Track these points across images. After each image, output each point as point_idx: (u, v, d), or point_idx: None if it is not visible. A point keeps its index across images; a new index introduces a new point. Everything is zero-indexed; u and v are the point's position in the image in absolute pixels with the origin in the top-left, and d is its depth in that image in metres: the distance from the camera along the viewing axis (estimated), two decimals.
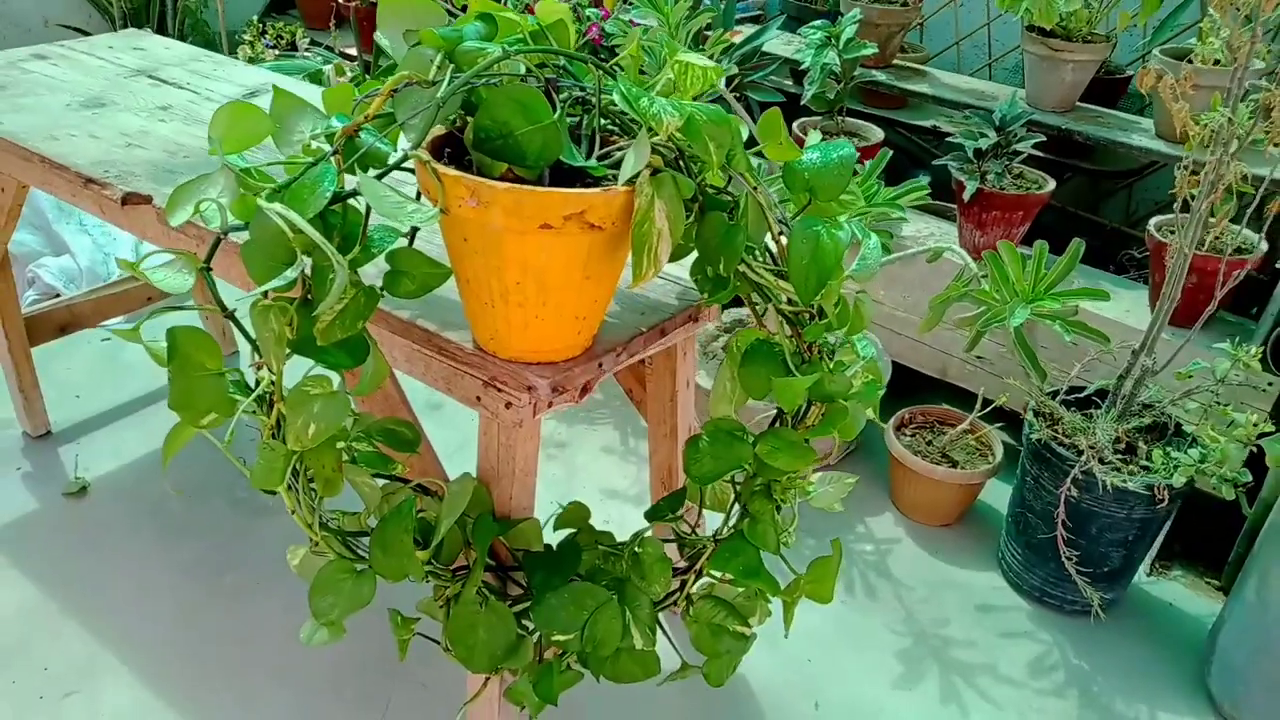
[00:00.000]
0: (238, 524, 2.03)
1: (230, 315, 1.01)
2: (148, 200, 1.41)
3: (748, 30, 2.75)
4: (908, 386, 2.39)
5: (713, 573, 1.20)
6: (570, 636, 1.13)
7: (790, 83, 2.96)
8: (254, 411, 1.01)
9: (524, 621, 1.20)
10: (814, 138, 1.07)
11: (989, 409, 2.08)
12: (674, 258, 1.10)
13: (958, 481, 2.04)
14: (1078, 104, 2.55)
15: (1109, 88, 2.71)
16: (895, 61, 2.89)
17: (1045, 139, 2.28)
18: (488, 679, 1.23)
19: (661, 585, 1.19)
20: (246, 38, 3.51)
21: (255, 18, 3.78)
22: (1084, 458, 1.66)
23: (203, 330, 0.98)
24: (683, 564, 1.24)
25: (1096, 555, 1.79)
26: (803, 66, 2.49)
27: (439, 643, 1.21)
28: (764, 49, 2.79)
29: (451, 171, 0.88)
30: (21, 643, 1.73)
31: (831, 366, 1.07)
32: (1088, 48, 2.40)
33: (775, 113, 0.99)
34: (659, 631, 1.27)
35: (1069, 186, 3.19)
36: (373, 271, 1.05)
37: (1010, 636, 1.87)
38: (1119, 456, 1.74)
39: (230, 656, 1.73)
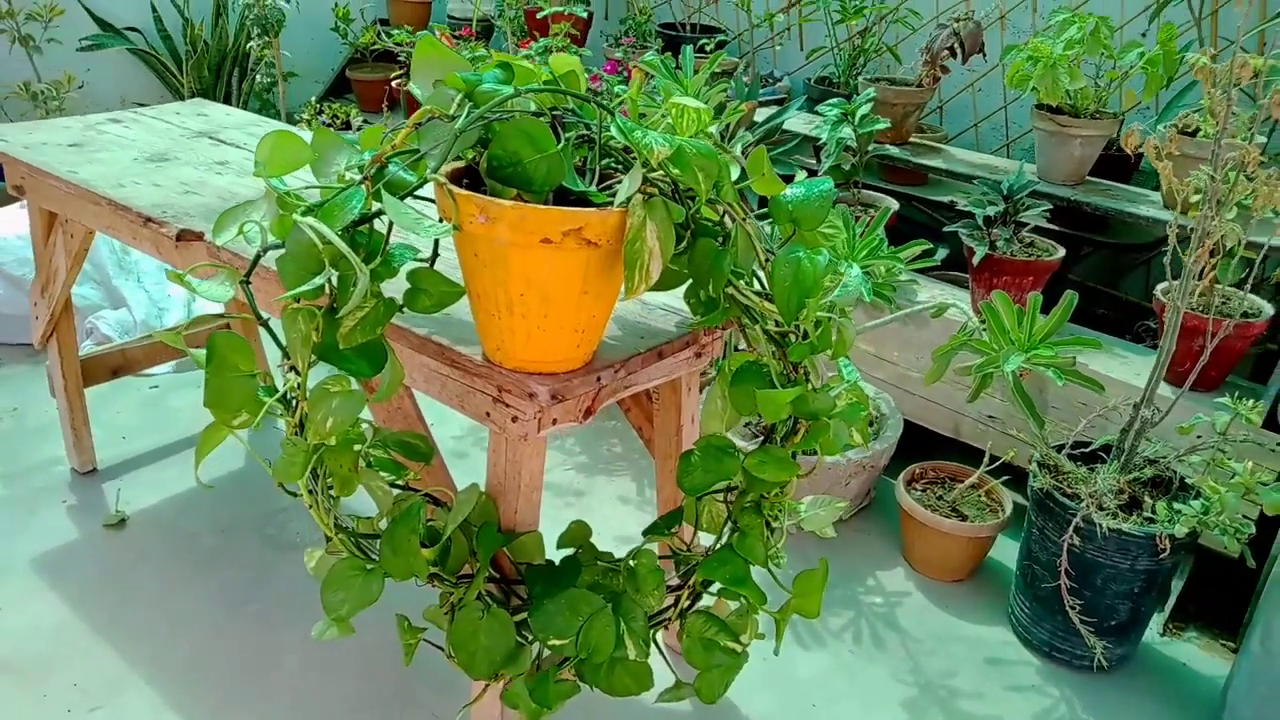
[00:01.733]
0: (266, 558, 2.11)
1: (264, 323, 1.11)
2: (199, 237, 1.54)
3: (773, 111, 2.91)
4: (921, 446, 2.43)
5: (704, 589, 1.25)
6: (566, 641, 1.18)
7: (812, 160, 3.10)
8: (280, 413, 1.11)
9: (524, 632, 1.26)
10: None
11: (996, 464, 2.11)
12: (668, 285, 1.20)
13: (967, 535, 2.06)
14: (1088, 178, 2.64)
15: (1120, 164, 2.81)
16: (912, 140, 3.01)
17: (1052, 208, 2.36)
18: (487, 685, 1.28)
19: (655, 598, 1.24)
20: (304, 116, 3.76)
21: (314, 99, 4.05)
22: (1084, 505, 1.69)
23: (239, 336, 1.08)
24: (677, 581, 1.30)
25: (1103, 607, 1.79)
26: (820, 142, 2.62)
27: (442, 649, 1.27)
28: (785, 127, 2.94)
29: (464, 191, 0.99)
30: (55, 660, 1.81)
31: (816, 387, 1.14)
32: (1095, 123, 2.51)
33: (761, 150, 1.09)
34: (655, 649, 1.32)
35: (1089, 262, 3.26)
36: (393, 292, 1.15)
37: (1018, 690, 1.86)
38: (1123, 510, 1.77)
39: (251, 682, 1.79)
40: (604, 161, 1.10)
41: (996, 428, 2.31)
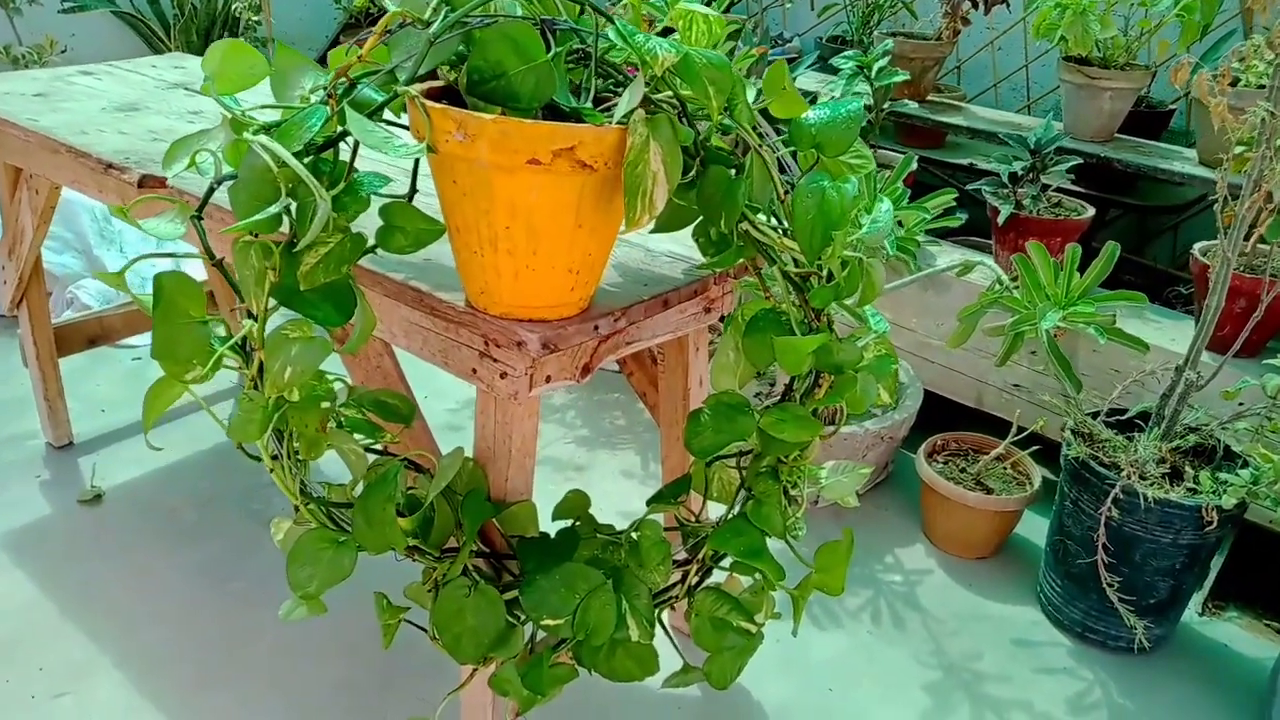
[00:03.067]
0: (248, 533, 1.99)
1: (218, 263, 0.99)
2: (164, 183, 1.41)
3: None
4: (941, 417, 2.30)
5: (715, 564, 1.13)
6: (561, 622, 1.06)
7: None
8: (237, 366, 0.98)
9: (515, 612, 1.13)
10: None
11: (1023, 435, 1.98)
12: (675, 224, 1.07)
13: (992, 508, 1.93)
14: (1117, 135, 2.50)
15: (1151, 121, 2.66)
16: (930, 98, 2.87)
17: (1081, 162, 2.22)
18: (475, 670, 1.16)
19: (660, 573, 1.12)
20: None
21: None
22: (1124, 474, 1.56)
23: (188, 277, 0.96)
24: (685, 555, 1.17)
25: (1141, 585, 1.67)
26: (835, 96, 2.47)
27: (426, 630, 1.15)
28: (797, 85, 2.80)
29: (438, 105, 0.85)
30: (19, 642, 1.69)
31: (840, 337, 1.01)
32: (1126, 75, 2.36)
33: (781, 64, 0.96)
34: (660, 630, 1.20)
35: (1115, 229, 3.11)
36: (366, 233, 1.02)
37: (1048, 672, 1.74)
38: (1165, 480, 1.64)
39: (228, 663, 1.67)
40: (602, 82, 0.96)
41: (1023, 397, 2.18)
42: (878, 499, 2.22)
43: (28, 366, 2.20)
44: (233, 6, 3.72)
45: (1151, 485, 1.56)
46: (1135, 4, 2.28)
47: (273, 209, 0.86)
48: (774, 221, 1.00)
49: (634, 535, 1.12)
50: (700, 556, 1.14)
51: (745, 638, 1.13)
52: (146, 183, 1.41)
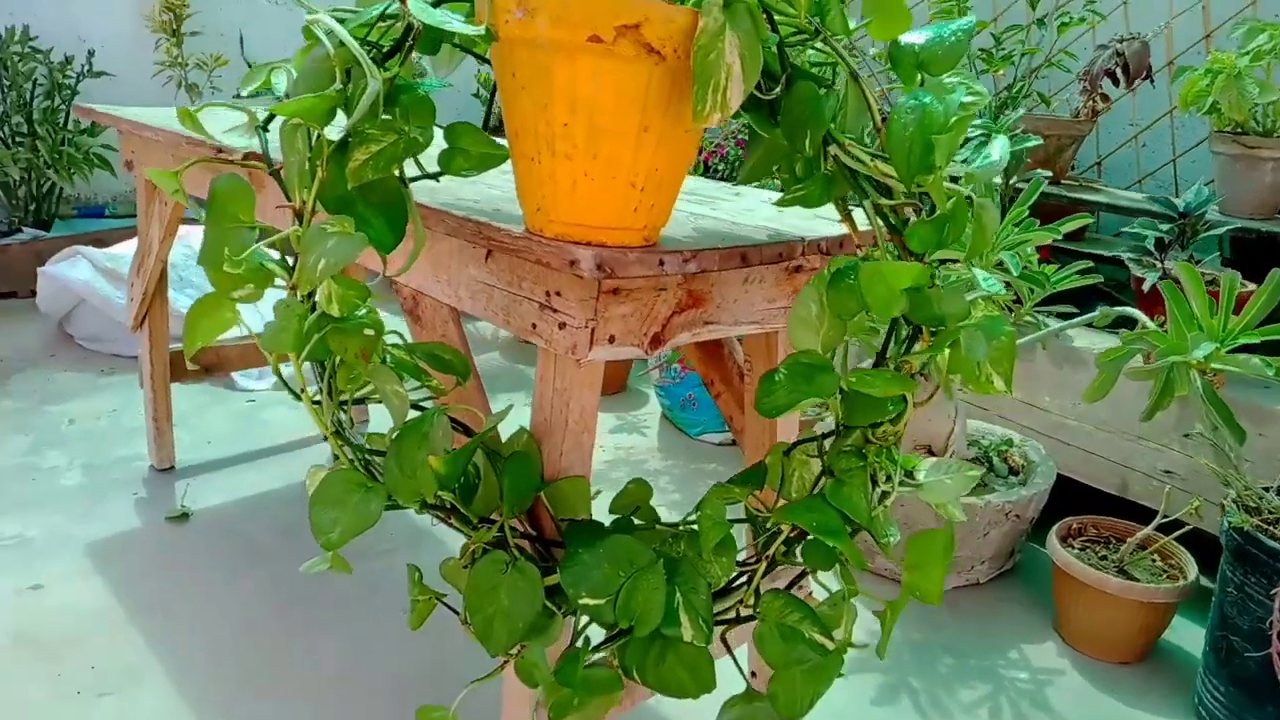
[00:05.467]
0: None
1: (275, 173, 0.96)
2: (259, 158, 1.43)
3: None
4: (1080, 507, 2.04)
5: (786, 557, 0.97)
6: (602, 602, 0.92)
7: None
8: (282, 282, 0.93)
9: (556, 600, 1.00)
10: None
11: (1172, 521, 1.71)
12: (765, 168, 0.97)
13: (1137, 599, 1.65)
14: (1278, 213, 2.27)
15: None
16: (1065, 180, 2.71)
17: (1236, 228, 2.01)
18: (505, 662, 1.02)
19: (721, 565, 0.97)
20: None
21: None
22: None
23: (242, 181, 0.93)
24: (752, 554, 1.02)
25: None
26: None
27: (459, 614, 1.02)
28: None
29: None
30: (80, 640, 1.65)
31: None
32: None
33: None
34: (725, 650, 1.03)
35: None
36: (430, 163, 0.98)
37: None
38: None
39: (276, 682, 1.58)
40: None
41: (1175, 483, 1.91)
42: (1003, 590, 1.96)
43: (142, 387, 2.27)
44: None
45: None
46: None
47: (329, 90, 0.83)
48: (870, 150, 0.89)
49: (692, 521, 0.98)
50: (770, 552, 0.98)
51: (820, 653, 0.95)
52: (250, 157, 1.44)
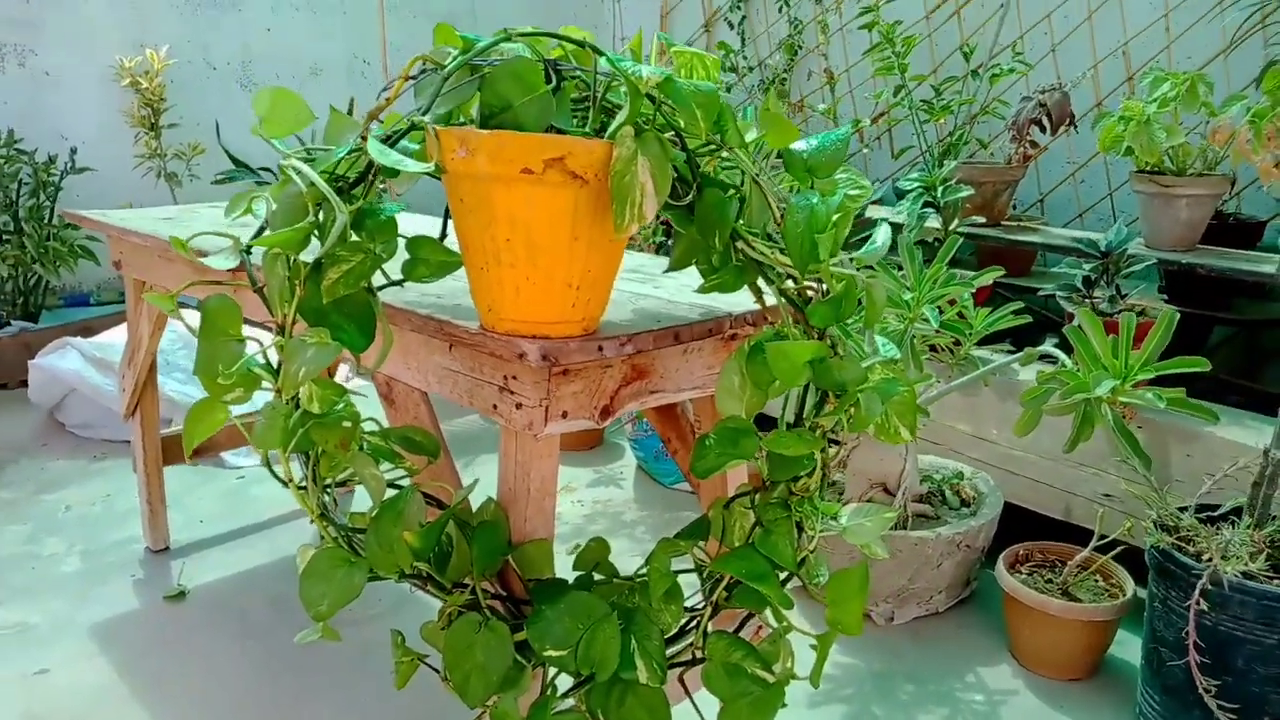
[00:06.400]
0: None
1: (259, 290, 1.08)
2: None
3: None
4: (1028, 533, 2.16)
5: (726, 601, 1.09)
6: (565, 653, 1.04)
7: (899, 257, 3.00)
8: (267, 383, 1.06)
9: (526, 654, 1.11)
10: None
11: (1116, 552, 1.84)
12: (688, 259, 1.11)
13: (1080, 618, 1.77)
14: (1199, 245, 2.43)
15: (1241, 233, 2.58)
16: (1004, 222, 2.88)
17: (1156, 261, 2.16)
18: (483, 713, 1.12)
19: (670, 612, 1.08)
20: None
21: None
22: (1208, 560, 1.42)
23: (231, 300, 1.05)
24: (699, 601, 1.13)
25: (1249, 696, 1.48)
26: (900, 217, 2.52)
27: (439, 671, 1.13)
28: (869, 215, 2.87)
29: (445, 127, 0.95)
30: (83, 719, 1.74)
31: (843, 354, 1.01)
32: (1202, 182, 2.33)
33: (772, 96, 1.02)
34: (683, 689, 1.15)
35: (1221, 353, 2.96)
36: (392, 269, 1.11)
37: None
38: (1266, 572, 1.48)
39: None
40: (606, 118, 1.05)
41: (1114, 506, 2.04)
42: (960, 618, 2.07)
43: (136, 472, 2.37)
44: None
45: (1235, 561, 1.41)
46: (1204, 111, 2.27)
47: (301, 223, 0.96)
48: (772, 243, 1.03)
49: (643, 574, 1.10)
50: (713, 598, 1.10)
51: (761, 686, 1.06)
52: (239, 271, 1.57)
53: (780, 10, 4.17)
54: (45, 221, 3.60)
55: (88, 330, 3.46)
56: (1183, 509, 1.65)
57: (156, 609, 2.14)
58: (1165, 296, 2.60)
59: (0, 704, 1.77)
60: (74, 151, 3.73)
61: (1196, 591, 1.44)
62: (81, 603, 2.14)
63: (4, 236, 3.53)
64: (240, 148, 4.26)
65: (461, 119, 1.05)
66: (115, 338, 3.19)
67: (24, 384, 3.32)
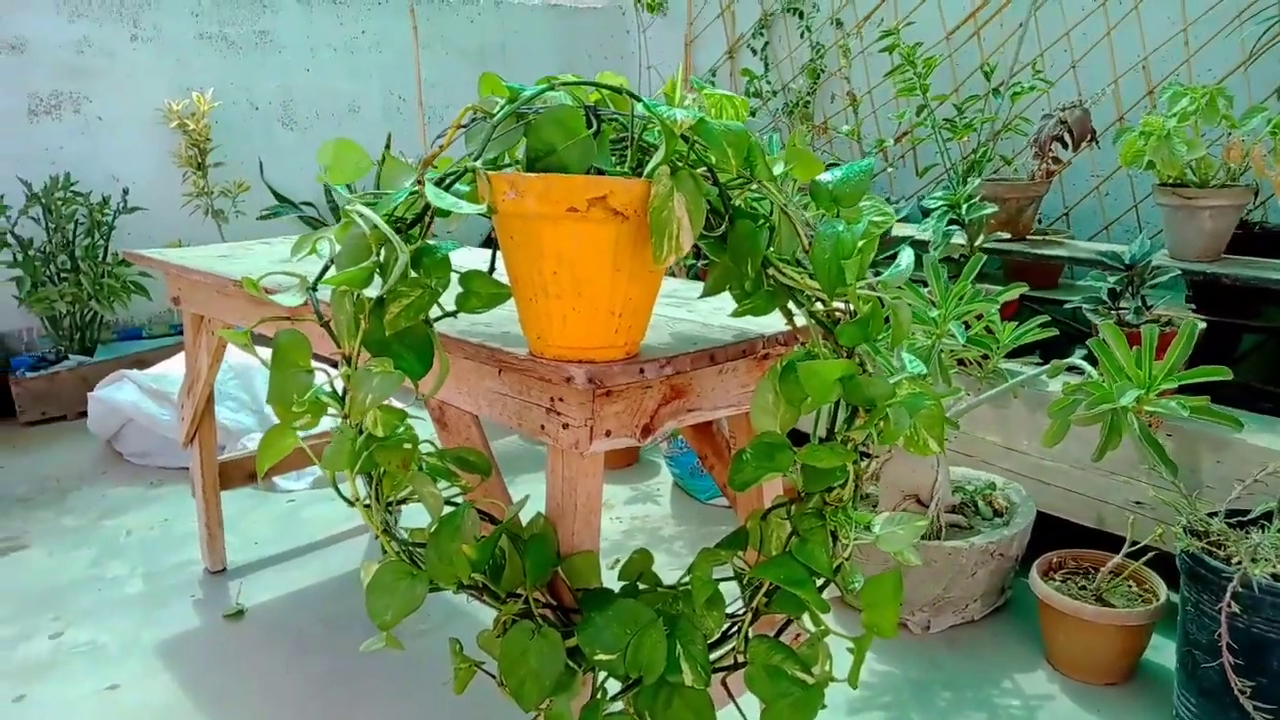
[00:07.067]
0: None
1: (325, 324, 1.17)
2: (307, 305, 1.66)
3: None
4: (1063, 541, 2.19)
5: (766, 607, 1.15)
6: (613, 657, 1.10)
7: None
8: (335, 411, 1.14)
9: (577, 659, 1.18)
10: None
11: (1148, 557, 1.87)
12: (722, 285, 1.18)
13: (1114, 623, 1.81)
14: (1224, 255, 2.46)
15: (1268, 242, 2.60)
16: (1030, 237, 2.92)
17: (1180, 273, 2.20)
18: (537, 716, 1.19)
19: (713, 618, 1.15)
20: None
21: None
22: (1238, 564, 1.46)
23: (301, 334, 1.14)
24: (740, 608, 1.20)
25: None
26: (926, 235, 2.58)
27: (495, 677, 1.20)
28: (895, 233, 2.93)
29: (495, 171, 1.03)
30: None
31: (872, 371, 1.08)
32: (1225, 193, 2.36)
33: (796, 133, 1.09)
34: (727, 694, 1.21)
35: (1251, 361, 2.97)
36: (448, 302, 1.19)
37: None
38: None
39: None
40: (643, 156, 1.12)
41: (1145, 514, 2.07)
42: (996, 625, 2.11)
43: (194, 496, 2.48)
44: None
45: (1265, 563, 1.45)
46: (1224, 124, 2.31)
47: (366, 262, 1.05)
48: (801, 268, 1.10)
49: (686, 582, 1.16)
50: (754, 604, 1.17)
51: (801, 688, 1.12)
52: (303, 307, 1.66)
53: (802, 36, 4.26)
54: (100, 260, 3.76)
55: (141, 362, 3.60)
56: (1212, 514, 1.69)
57: (216, 627, 2.23)
58: (1193, 307, 2.62)
59: (78, 718, 1.87)
60: (126, 192, 3.89)
61: (1227, 594, 1.48)
62: (146, 622, 2.24)
63: (62, 275, 3.69)
64: (282, 184, 4.44)
65: (509, 161, 1.14)
66: (169, 369, 3.33)
67: (83, 415, 3.46)
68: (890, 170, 4.01)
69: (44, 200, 3.67)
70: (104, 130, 4.01)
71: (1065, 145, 2.71)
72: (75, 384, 3.67)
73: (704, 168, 1.08)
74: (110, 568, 2.53)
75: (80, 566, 2.53)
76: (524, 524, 1.28)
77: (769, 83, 4.47)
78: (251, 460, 2.60)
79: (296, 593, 2.39)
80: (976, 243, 2.55)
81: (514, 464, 3.21)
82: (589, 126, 1.06)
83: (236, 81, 4.32)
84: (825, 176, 1.10)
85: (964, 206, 2.48)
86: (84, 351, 3.85)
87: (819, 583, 1.14)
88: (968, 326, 1.75)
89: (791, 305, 1.14)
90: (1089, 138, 2.68)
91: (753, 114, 4.14)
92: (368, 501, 1.19)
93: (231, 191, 4.13)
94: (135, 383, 3.25)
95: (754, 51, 4.54)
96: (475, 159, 1.07)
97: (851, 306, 1.08)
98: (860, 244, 1.01)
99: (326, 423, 1.15)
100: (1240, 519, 1.69)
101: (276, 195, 4.38)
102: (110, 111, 4.02)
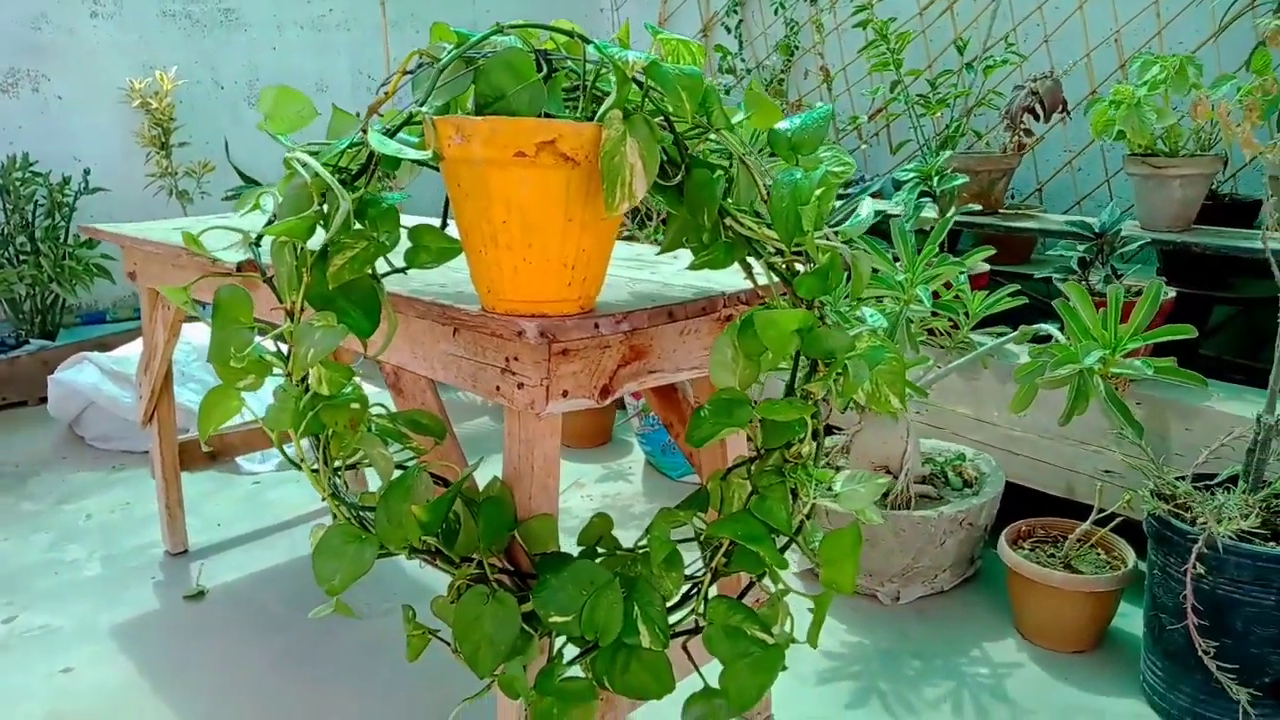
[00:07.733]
0: (327, 625, 2.06)
1: (269, 280, 1.13)
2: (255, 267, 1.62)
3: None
4: (1033, 511, 2.19)
5: (725, 567, 1.12)
6: (569, 619, 1.07)
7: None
8: (278, 369, 1.10)
9: (533, 624, 1.15)
10: None
11: (1115, 524, 1.87)
12: (679, 240, 1.15)
13: (1082, 589, 1.80)
14: (1195, 225, 2.46)
15: (1237, 212, 2.61)
16: (1002, 210, 2.91)
17: (1150, 241, 2.19)
18: (492, 682, 1.16)
19: (670, 579, 1.12)
20: None
21: None
22: (1203, 524, 1.45)
23: (242, 290, 1.10)
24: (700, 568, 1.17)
25: (1249, 658, 1.50)
26: (898, 210, 2.56)
27: (450, 644, 1.17)
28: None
29: (440, 116, 1.00)
30: (108, 715, 1.79)
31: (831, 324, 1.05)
32: (1194, 162, 2.36)
33: (756, 83, 1.06)
34: (686, 656, 1.18)
35: (1223, 334, 2.98)
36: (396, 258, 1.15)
37: None
38: (1258, 538, 1.51)
39: None
40: (596, 105, 1.09)
41: (1115, 482, 2.06)
42: (966, 595, 2.10)
43: (154, 477, 2.42)
44: None
45: (1229, 523, 1.44)
46: (1192, 95, 2.30)
47: (307, 211, 1.01)
48: (759, 218, 1.07)
49: (644, 545, 1.14)
50: (713, 564, 1.14)
51: (761, 648, 1.10)
52: (244, 267, 1.62)
53: (776, 12, 4.22)
54: (61, 241, 3.67)
55: (104, 346, 3.53)
56: (1180, 478, 1.68)
57: (176, 608, 2.18)
58: (1164, 278, 2.62)
59: (28, 702, 1.82)
60: (87, 172, 3.80)
61: (1193, 556, 1.47)
62: (103, 605, 2.19)
63: (21, 256, 3.60)
64: (249, 164, 4.34)
65: (458, 110, 1.10)
66: (131, 351, 3.26)
67: (44, 401, 3.38)
68: (865, 147, 3.99)
69: (2, 180, 3.58)
70: (64, 109, 3.92)
71: (1037, 116, 2.70)
72: (36, 369, 3.59)
73: (660, 116, 1.05)
74: (68, 551, 2.47)
75: (37, 550, 2.47)
76: (481, 490, 1.25)
77: (743, 60, 4.44)
78: (215, 439, 2.55)
79: (259, 573, 2.34)
80: (948, 215, 2.53)
81: (484, 444, 3.17)
82: (540, 71, 1.02)
83: (201, 60, 4.24)
84: (783, 124, 1.07)
85: (935, 178, 2.46)
86: (45, 336, 3.76)
87: (780, 542, 1.11)
88: (937, 296, 1.73)
89: (751, 259, 1.11)
90: (1060, 108, 2.67)
91: (727, 92, 4.11)
92: (315, 466, 1.16)
93: (196, 172, 4.04)
94: (96, 365, 3.18)
95: (728, 29, 4.50)
96: (421, 105, 1.03)
97: (811, 259, 1.05)
98: (818, 191, 0.99)
99: None
100: (1207, 483, 1.68)
101: (242, 176, 4.27)
102: (70, 90, 3.93)
